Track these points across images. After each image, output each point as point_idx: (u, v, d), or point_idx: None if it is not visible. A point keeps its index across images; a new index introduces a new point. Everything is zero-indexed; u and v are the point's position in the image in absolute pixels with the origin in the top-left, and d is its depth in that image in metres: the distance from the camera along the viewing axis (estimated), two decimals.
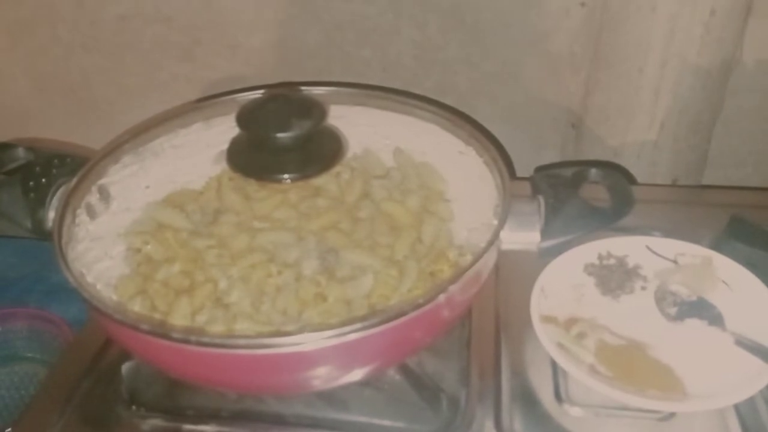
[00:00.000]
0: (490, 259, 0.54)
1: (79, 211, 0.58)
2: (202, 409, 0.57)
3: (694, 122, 0.83)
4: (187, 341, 0.45)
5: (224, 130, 0.64)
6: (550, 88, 0.91)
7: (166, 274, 0.54)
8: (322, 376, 0.51)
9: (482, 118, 0.91)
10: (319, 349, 0.46)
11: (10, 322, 0.84)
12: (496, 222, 0.55)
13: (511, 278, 0.66)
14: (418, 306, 0.47)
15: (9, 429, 0.59)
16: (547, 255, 0.56)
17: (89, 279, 0.53)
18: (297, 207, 0.58)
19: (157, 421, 0.57)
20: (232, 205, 0.58)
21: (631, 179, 0.85)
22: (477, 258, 0.51)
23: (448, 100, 0.93)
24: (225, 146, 0.59)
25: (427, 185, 0.61)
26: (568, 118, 0.92)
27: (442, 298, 0.49)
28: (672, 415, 0.55)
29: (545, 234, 0.55)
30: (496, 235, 0.53)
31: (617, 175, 0.58)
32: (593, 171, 0.58)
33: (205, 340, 0.46)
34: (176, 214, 0.58)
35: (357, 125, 0.66)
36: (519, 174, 0.86)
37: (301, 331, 0.48)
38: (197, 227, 0.57)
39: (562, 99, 0.91)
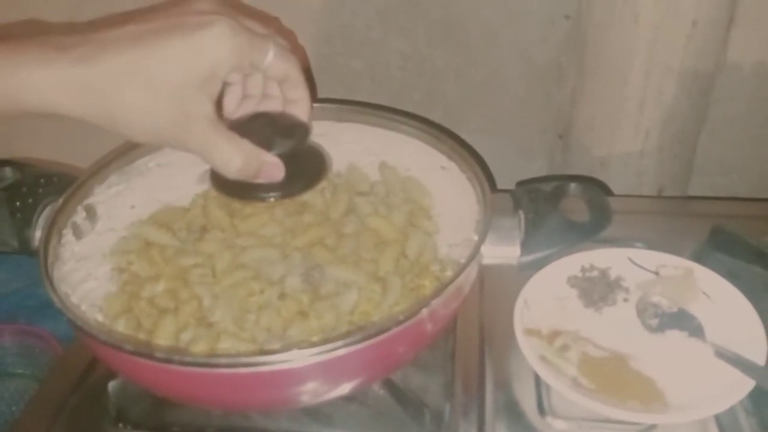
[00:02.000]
0: (471, 274, 0.54)
1: (65, 231, 0.58)
2: (189, 425, 0.57)
3: (679, 131, 0.84)
4: (170, 361, 0.46)
5: None
6: (537, 98, 0.92)
7: (152, 292, 0.54)
8: (306, 393, 0.51)
9: (470, 128, 0.92)
10: (303, 367, 0.47)
11: None
12: (476, 237, 0.56)
13: (495, 291, 0.66)
14: (401, 321, 0.48)
15: None
16: (527, 269, 0.57)
17: (74, 299, 0.53)
18: (282, 223, 0.59)
19: None
20: (217, 222, 0.59)
21: (609, 192, 0.85)
22: (458, 273, 0.51)
23: (436, 111, 0.94)
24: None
25: (412, 200, 0.62)
26: (555, 128, 0.93)
27: (424, 312, 0.49)
28: (653, 426, 0.56)
29: (525, 248, 0.55)
30: (476, 250, 0.53)
31: (596, 189, 0.59)
32: (572, 185, 0.59)
33: (188, 359, 0.47)
34: (162, 233, 0.58)
35: (341, 141, 0.66)
36: (507, 184, 0.87)
37: (285, 349, 0.49)
38: (183, 245, 0.58)
39: (549, 109, 0.92)
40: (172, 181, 0.63)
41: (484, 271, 0.57)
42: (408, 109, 0.92)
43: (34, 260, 0.55)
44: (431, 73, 0.93)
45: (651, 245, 0.67)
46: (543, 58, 0.88)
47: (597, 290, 0.63)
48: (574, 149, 0.90)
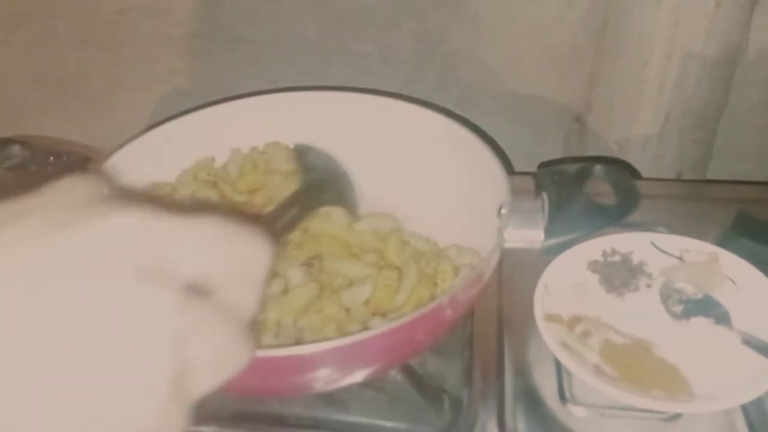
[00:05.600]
0: (493, 258, 0.53)
1: None
2: (201, 409, 0.56)
3: (699, 115, 0.82)
4: None
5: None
6: (553, 81, 0.90)
7: None
8: (322, 379, 0.50)
9: (484, 111, 0.90)
10: (320, 353, 0.46)
11: None
12: (498, 220, 0.54)
13: (514, 276, 0.65)
14: (421, 307, 0.47)
15: None
16: (550, 253, 0.55)
17: None
18: None
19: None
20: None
21: (635, 175, 0.84)
22: (482, 259, 0.50)
23: (449, 93, 0.92)
24: None
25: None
26: (572, 111, 0.91)
27: (444, 299, 0.48)
28: (678, 415, 0.54)
29: (549, 232, 0.54)
30: (500, 235, 0.52)
31: (622, 171, 0.57)
32: (597, 167, 0.57)
33: None
34: None
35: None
36: (521, 168, 0.85)
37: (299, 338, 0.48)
38: None
39: (566, 92, 0.90)
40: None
41: (504, 255, 0.56)
42: (420, 91, 0.91)
43: None
44: (444, 55, 0.91)
45: (673, 230, 0.65)
46: (560, 40, 0.86)
47: (619, 276, 0.62)
48: (590, 132, 0.88)
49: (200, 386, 0.25)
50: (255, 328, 0.28)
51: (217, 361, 0.26)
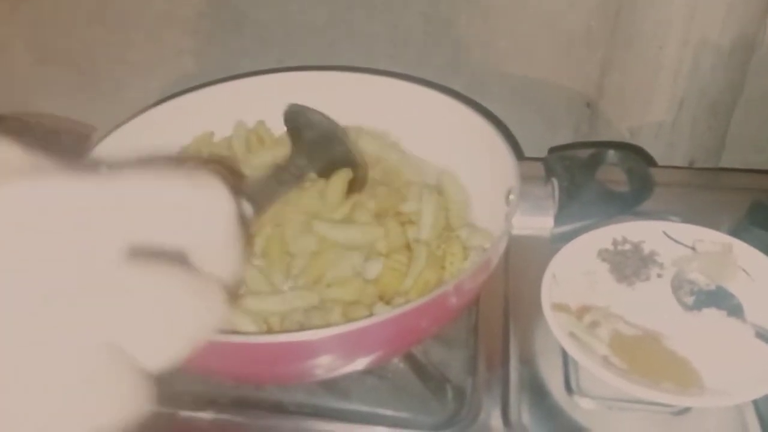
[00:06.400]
0: (500, 245, 0.52)
1: None
2: (200, 395, 0.55)
3: (714, 103, 0.80)
4: None
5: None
6: (565, 66, 0.88)
7: None
8: (324, 366, 0.49)
9: (494, 96, 0.88)
10: (322, 339, 0.44)
11: None
12: (507, 206, 0.53)
13: (522, 263, 0.63)
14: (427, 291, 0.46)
15: None
16: (560, 241, 0.54)
17: None
18: None
19: (153, 407, 0.55)
20: None
21: (649, 161, 0.82)
22: (488, 248, 0.49)
23: (458, 77, 0.90)
24: None
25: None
26: (583, 97, 0.89)
27: (450, 286, 0.46)
28: (687, 409, 0.53)
29: (559, 219, 0.52)
30: (508, 221, 0.50)
31: (636, 157, 0.55)
32: (611, 153, 0.56)
33: None
34: None
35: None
36: (531, 154, 0.84)
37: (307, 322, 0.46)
38: None
39: (578, 77, 0.88)
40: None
41: (512, 242, 0.54)
42: (429, 74, 0.89)
43: None
44: (454, 38, 0.89)
45: (685, 218, 0.64)
46: (573, 24, 0.84)
47: (629, 265, 0.60)
48: (602, 119, 0.87)
49: (155, 356, 0.23)
50: (231, 289, 0.25)
51: (174, 328, 0.23)
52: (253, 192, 0.45)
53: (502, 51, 0.88)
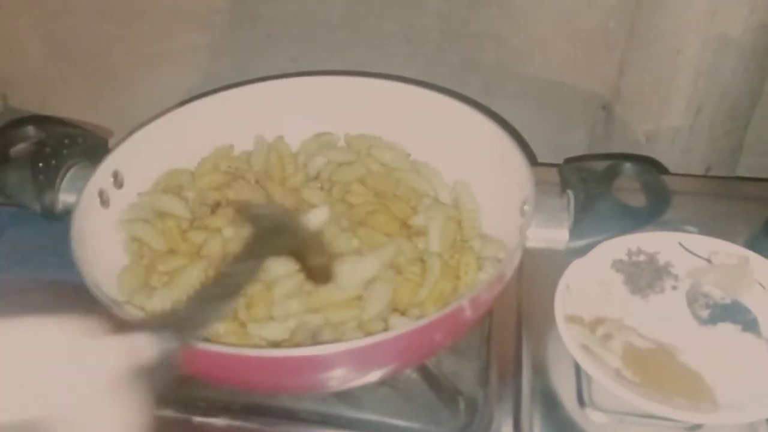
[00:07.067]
0: (515, 258, 0.51)
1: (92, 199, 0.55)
2: (213, 401, 0.56)
3: (733, 107, 0.79)
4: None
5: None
6: (582, 67, 0.87)
7: (168, 267, 0.52)
8: (338, 378, 0.49)
9: (509, 96, 0.88)
10: (336, 353, 0.44)
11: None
12: (522, 216, 0.52)
13: (535, 274, 0.63)
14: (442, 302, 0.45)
15: None
16: (575, 255, 0.53)
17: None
18: None
19: (167, 413, 0.55)
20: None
21: (662, 170, 0.81)
22: (502, 264, 0.48)
23: (473, 76, 0.90)
24: None
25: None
26: (599, 98, 0.88)
27: (465, 300, 0.46)
28: (700, 425, 0.53)
29: (574, 233, 0.52)
30: (523, 234, 0.50)
31: (653, 171, 0.55)
32: (627, 166, 0.55)
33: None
34: (175, 201, 0.56)
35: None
36: (546, 156, 0.83)
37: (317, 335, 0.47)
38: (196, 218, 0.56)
39: (594, 79, 0.87)
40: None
41: (525, 252, 0.54)
42: (444, 73, 0.89)
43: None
44: (469, 36, 0.88)
45: (701, 229, 0.63)
46: (590, 24, 0.83)
47: (644, 276, 0.60)
48: (617, 121, 0.86)
49: None
50: None
51: None
52: (178, 319, 0.37)
53: (519, 50, 0.87)
